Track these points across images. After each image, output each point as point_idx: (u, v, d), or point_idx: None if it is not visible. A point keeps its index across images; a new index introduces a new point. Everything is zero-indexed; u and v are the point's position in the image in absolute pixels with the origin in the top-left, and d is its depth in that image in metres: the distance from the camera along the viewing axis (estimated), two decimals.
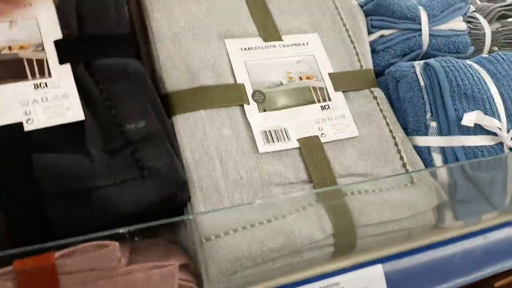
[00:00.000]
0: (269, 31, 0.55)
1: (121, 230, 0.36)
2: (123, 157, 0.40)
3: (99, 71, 0.42)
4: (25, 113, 0.39)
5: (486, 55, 0.58)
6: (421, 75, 0.54)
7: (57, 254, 0.34)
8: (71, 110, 0.40)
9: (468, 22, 0.71)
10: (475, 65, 0.56)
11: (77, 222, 0.36)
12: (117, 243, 0.35)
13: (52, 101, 0.40)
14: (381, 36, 0.63)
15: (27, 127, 0.38)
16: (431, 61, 0.54)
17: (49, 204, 0.36)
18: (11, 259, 0.32)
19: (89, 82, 0.42)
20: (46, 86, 0.41)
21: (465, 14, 0.65)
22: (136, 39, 0.50)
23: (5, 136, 0.37)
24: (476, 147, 0.51)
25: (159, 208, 0.40)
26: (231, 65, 0.51)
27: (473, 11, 0.76)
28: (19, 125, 0.38)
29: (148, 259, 0.39)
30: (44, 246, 0.32)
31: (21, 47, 0.41)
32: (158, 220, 0.37)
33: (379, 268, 0.46)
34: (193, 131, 0.46)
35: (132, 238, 0.36)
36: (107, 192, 0.37)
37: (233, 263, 0.40)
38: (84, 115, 0.41)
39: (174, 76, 0.49)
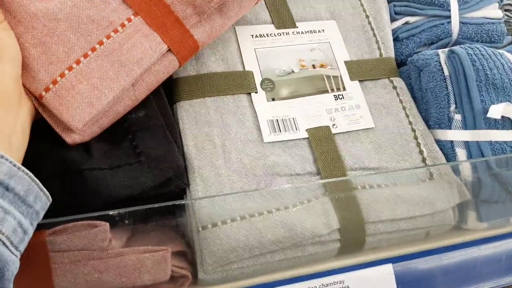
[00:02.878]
0: (282, 18, 0.54)
1: (112, 212, 0.36)
2: (122, 144, 0.40)
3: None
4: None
5: None
6: (446, 63, 0.50)
7: (48, 231, 0.34)
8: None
9: (506, 10, 0.65)
10: (507, 54, 0.51)
11: (70, 203, 0.36)
12: (107, 224, 0.35)
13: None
14: (406, 23, 0.59)
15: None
16: (456, 48, 0.50)
17: (44, 185, 0.36)
18: None
19: None
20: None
21: (501, 1, 0.60)
22: None
23: None
24: (505, 142, 0.47)
25: (156, 194, 0.40)
26: (240, 52, 0.50)
27: None
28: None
29: (145, 244, 0.39)
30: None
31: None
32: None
33: (389, 268, 0.43)
34: (197, 117, 0.45)
35: (122, 221, 0.36)
36: (100, 175, 0.37)
37: (229, 253, 0.39)
38: None
39: None
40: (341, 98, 0.50)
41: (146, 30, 0.39)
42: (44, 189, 0.32)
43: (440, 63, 0.51)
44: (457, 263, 0.46)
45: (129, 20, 0.39)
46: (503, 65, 0.49)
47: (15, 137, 0.33)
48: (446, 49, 0.51)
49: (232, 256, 0.39)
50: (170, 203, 0.37)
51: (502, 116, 0.46)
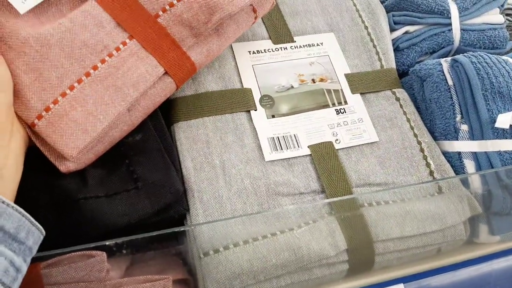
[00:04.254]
0: (279, 32, 0.53)
1: (109, 242, 0.34)
2: (118, 170, 0.39)
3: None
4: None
5: None
6: (449, 73, 0.49)
7: (43, 264, 0.33)
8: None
9: (508, 14, 0.64)
10: None
11: (66, 234, 0.35)
12: (104, 253, 0.34)
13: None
14: (406, 32, 0.58)
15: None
16: (459, 57, 0.49)
17: (38, 216, 0.35)
18: None
19: None
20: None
21: (502, 5, 0.59)
22: None
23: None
24: None
25: (156, 221, 0.39)
26: (238, 69, 0.49)
27: None
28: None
29: (145, 273, 0.38)
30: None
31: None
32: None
33: None
34: (195, 138, 0.44)
35: (120, 251, 0.35)
36: (96, 203, 0.35)
37: (233, 280, 0.37)
38: None
39: None
40: (343, 112, 0.49)
41: (142, 53, 0.38)
42: (36, 223, 0.30)
43: (443, 72, 0.49)
44: (470, 279, 0.45)
45: (124, 43, 0.38)
46: (509, 73, 0.47)
47: (6, 169, 0.32)
48: (449, 58, 0.50)
49: (236, 283, 0.37)
50: (169, 230, 0.36)
51: (511, 125, 0.45)
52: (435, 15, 0.57)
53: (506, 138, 0.46)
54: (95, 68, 0.37)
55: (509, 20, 0.64)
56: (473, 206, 0.45)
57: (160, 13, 0.39)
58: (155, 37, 0.39)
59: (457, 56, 0.49)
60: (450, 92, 0.49)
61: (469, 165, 0.47)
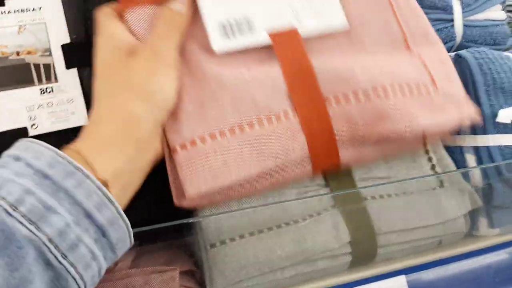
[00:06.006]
0: None
1: None
2: None
3: None
4: (30, 118, 0.39)
5: None
6: None
7: None
8: (76, 115, 0.40)
9: (509, 11, 0.65)
10: None
11: None
12: None
13: (58, 106, 0.40)
14: None
15: (32, 132, 0.39)
16: (463, 52, 0.49)
17: None
18: None
19: None
20: (52, 91, 0.41)
21: (503, 2, 0.60)
22: None
23: (10, 141, 0.38)
24: None
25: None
26: None
27: None
28: (24, 130, 0.38)
29: (152, 264, 0.39)
30: None
31: (29, 52, 0.42)
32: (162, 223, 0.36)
33: (402, 280, 0.43)
34: None
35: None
36: None
37: (238, 271, 0.38)
38: None
39: None
40: None
41: (297, 131, 0.37)
42: (132, 237, 0.31)
43: None
44: (470, 271, 0.46)
45: (286, 115, 0.37)
46: (510, 68, 0.48)
47: (131, 179, 0.33)
48: (452, 54, 0.51)
49: (242, 274, 0.38)
50: (176, 222, 0.37)
51: None
52: (438, 11, 0.58)
53: (507, 133, 0.46)
54: (250, 125, 0.37)
55: (511, 17, 0.65)
56: (474, 200, 0.46)
57: (332, 100, 0.38)
58: (316, 121, 0.38)
59: (460, 52, 0.50)
60: None
61: (470, 159, 0.48)
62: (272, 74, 0.38)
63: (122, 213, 0.30)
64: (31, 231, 0.25)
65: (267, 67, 0.39)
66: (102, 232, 0.28)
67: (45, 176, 0.27)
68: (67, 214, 0.27)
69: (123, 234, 0.30)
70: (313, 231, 0.40)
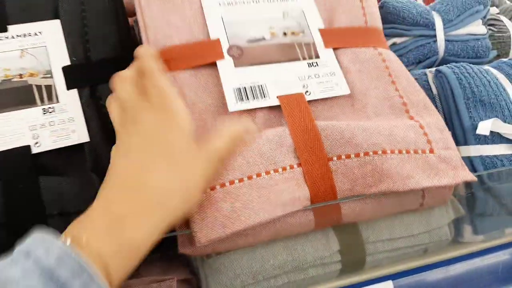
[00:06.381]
0: None
1: None
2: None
3: (104, 95, 0.44)
4: (33, 137, 0.41)
5: (506, 59, 0.55)
6: (433, 82, 0.52)
7: None
8: (76, 133, 0.42)
9: (491, 25, 0.68)
10: (493, 70, 0.53)
11: None
12: None
13: (59, 124, 0.42)
14: (393, 44, 0.61)
15: (34, 150, 0.41)
16: (442, 68, 0.52)
17: (52, 223, 0.37)
18: None
19: (94, 107, 0.44)
20: (54, 110, 0.43)
21: (484, 17, 0.62)
22: None
23: (14, 159, 0.40)
24: (495, 156, 0.48)
25: None
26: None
27: (497, 13, 0.72)
28: (27, 148, 0.41)
29: (149, 274, 0.40)
30: None
31: (31, 75, 0.44)
32: None
33: (389, 285, 0.45)
34: None
35: None
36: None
37: (233, 280, 0.40)
38: (90, 138, 0.42)
39: None
40: None
41: (301, 182, 0.40)
42: None
43: (428, 82, 0.53)
44: (456, 276, 0.47)
45: (292, 167, 0.40)
46: (489, 82, 0.50)
47: (135, 261, 0.32)
48: (433, 69, 0.53)
49: (237, 283, 0.40)
50: (173, 233, 0.38)
51: (491, 131, 0.48)
52: (421, 27, 0.60)
53: (488, 144, 0.49)
54: (258, 175, 0.39)
55: (492, 30, 0.67)
56: (457, 209, 0.48)
57: (335, 158, 0.41)
58: (319, 175, 0.40)
59: (440, 67, 0.52)
60: (435, 100, 0.52)
61: None
62: (280, 134, 0.41)
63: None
64: None
65: (275, 128, 0.42)
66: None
67: (51, 278, 0.27)
68: None
69: None
70: (303, 241, 0.43)
